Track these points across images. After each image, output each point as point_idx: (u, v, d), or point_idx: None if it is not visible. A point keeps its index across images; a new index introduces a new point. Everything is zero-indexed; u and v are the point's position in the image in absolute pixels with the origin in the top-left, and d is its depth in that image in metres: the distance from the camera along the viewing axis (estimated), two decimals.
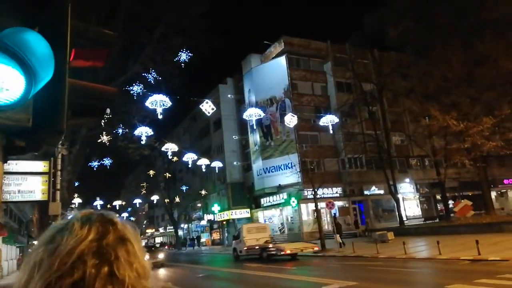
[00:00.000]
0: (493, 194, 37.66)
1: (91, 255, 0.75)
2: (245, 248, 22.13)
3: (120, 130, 19.97)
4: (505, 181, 41.17)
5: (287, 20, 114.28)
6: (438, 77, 25.37)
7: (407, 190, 38.04)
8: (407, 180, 38.25)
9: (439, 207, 38.56)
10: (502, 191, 42.71)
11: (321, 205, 27.39)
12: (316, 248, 20.90)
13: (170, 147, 21.41)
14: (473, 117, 24.05)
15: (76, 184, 32.00)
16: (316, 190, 25.22)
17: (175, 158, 32.09)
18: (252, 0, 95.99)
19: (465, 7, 24.40)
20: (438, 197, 37.02)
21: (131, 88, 17.29)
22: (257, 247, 21.35)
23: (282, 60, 37.67)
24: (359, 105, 35.78)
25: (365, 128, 35.66)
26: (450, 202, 32.62)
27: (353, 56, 35.80)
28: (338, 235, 22.02)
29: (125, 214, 78.11)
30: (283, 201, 35.88)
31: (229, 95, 44.03)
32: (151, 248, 25.79)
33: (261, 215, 41.03)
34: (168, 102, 14.89)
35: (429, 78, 26.26)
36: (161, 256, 23.27)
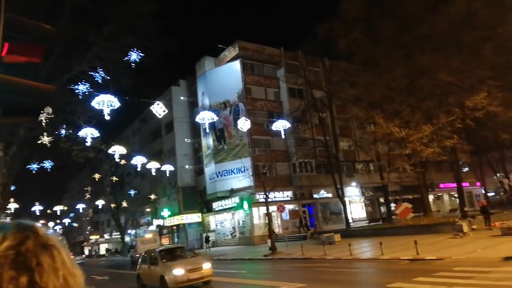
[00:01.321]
0: (431, 197, 40.46)
1: (7, 266, 0.67)
2: (137, 255, 26.18)
3: (63, 131, 18.84)
4: (441, 185, 44.44)
5: (242, 25, 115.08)
6: (382, 86, 26.76)
7: (353, 193, 39.67)
8: (354, 184, 39.92)
9: (382, 210, 40.61)
10: (439, 194, 46.02)
11: (273, 208, 27.79)
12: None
13: (117, 150, 20.53)
14: (413, 125, 25.58)
15: (13, 188, 29.64)
16: (267, 193, 25.54)
17: (123, 161, 30.87)
18: (207, 4, 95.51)
19: (408, 21, 26.04)
20: (382, 200, 39.07)
21: (76, 87, 16.40)
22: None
23: (237, 64, 37.81)
24: (310, 111, 36.82)
25: (315, 133, 36.74)
26: (392, 204, 34.49)
27: (305, 64, 36.88)
28: (270, 239, 23.51)
29: (67, 220, 73.84)
30: (235, 205, 35.89)
31: (182, 98, 43.34)
32: (177, 254, 14.88)
33: (212, 219, 40.69)
34: (116, 103, 14.26)
35: (374, 87, 27.62)
36: (207, 266, 13.47)
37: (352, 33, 27.41)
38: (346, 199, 35.05)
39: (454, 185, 32.39)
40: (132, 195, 48.12)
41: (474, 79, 24.09)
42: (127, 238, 55.25)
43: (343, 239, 23.30)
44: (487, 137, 31.74)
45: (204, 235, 38.99)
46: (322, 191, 37.76)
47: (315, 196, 37.62)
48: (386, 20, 26.52)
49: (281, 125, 23.34)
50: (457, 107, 24.80)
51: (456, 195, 36.28)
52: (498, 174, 46.51)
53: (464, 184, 35.51)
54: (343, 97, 34.91)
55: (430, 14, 25.44)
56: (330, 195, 37.21)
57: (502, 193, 46.70)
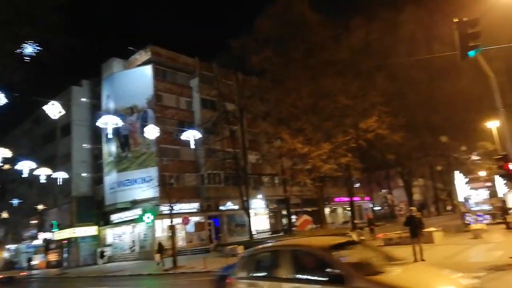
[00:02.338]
0: (327, 210, 43.63)
1: None
2: None
3: None
4: (336, 199, 48.25)
5: (157, 30, 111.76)
6: (289, 104, 28.30)
7: (258, 205, 40.74)
8: (260, 196, 41.05)
9: (284, 222, 42.41)
10: (334, 207, 49.87)
11: (177, 220, 26.98)
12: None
13: None
14: (315, 142, 27.49)
15: None
16: (173, 205, 24.75)
17: (6, 166, 27.08)
18: (120, 4, 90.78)
19: (314, 46, 28.16)
20: (284, 212, 40.84)
21: None
22: None
23: (148, 69, 36.40)
24: (222, 123, 37.07)
25: (225, 145, 37.04)
26: (294, 216, 36.28)
27: (219, 76, 37.18)
28: (158, 254, 23.00)
29: None
30: (137, 217, 33.85)
31: (83, 99, 40.04)
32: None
33: (110, 232, 37.83)
34: (2, 99, 12.59)
35: (282, 104, 29.08)
36: None
37: (264, 52, 28.58)
38: (252, 211, 35.79)
39: (347, 199, 35.40)
40: (15, 205, 42.36)
41: (367, 103, 26.96)
42: (5, 254, 48.20)
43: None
44: (376, 157, 35.61)
45: (99, 249, 36.02)
46: (229, 203, 38.00)
47: (221, 208, 37.65)
48: (296, 43, 28.30)
49: (191, 135, 23.04)
50: (352, 128, 27.39)
51: (348, 208, 39.64)
52: (383, 190, 52.31)
53: (355, 198, 39.12)
54: (254, 111, 35.99)
55: (333, 42, 27.93)
56: (236, 207, 37.61)
57: (386, 207, 52.63)
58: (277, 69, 29.87)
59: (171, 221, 24.64)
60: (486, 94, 14.22)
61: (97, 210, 38.67)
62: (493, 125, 25.59)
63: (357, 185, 49.18)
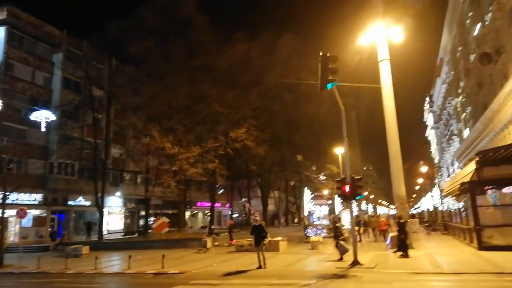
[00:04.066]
0: (188, 213, 43.54)
1: None
2: None
3: None
4: (198, 204, 48.64)
5: None
6: (164, 102, 27.47)
7: (115, 203, 38.07)
8: (118, 193, 38.43)
9: (141, 223, 40.58)
10: (195, 212, 50.12)
11: (12, 212, 23.07)
12: None
13: None
14: (185, 144, 27.24)
15: None
16: (8, 194, 21.04)
17: None
18: None
19: (197, 49, 28.11)
20: (143, 212, 39.08)
21: None
22: None
23: (0, 31, 30.62)
24: (85, 109, 33.58)
25: (85, 134, 33.64)
26: (152, 218, 35.02)
27: (89, 56, 33.72)
28: None
29: None
30: None
31: None
32: None
33: None
34: None
35: (157, 100, 28.01)
36: None
37: (145, 42, 27.20)
38: (106, 209, 33.18)
39: (209, 204, 35.98)
40: None
41: (240, 115, 28.11)
42: None
43: (93, 252, 21.63)
44: (241, 166, 37.27)
45: None
46: (80, 198, 34.43)
47: (70, 203, 33.80)
48: (179, 41, 27.75)
49: (44, 116, 20.13)
50: (223, 136, 28.11)
51: (209, 214, 40.33)
52: (243, 199, 54.97)
53: (216, 204, 40.09)
54: (124, 102, 33.69)
55: (216, 49, 28.36)
56: (88, 203, 34.31)
57: (244, 215, 55.37)
58: (156, 63, 28.74)
59: (3, 213, 20.89)
60: (337, 124, 16.32)
61: None
62: (339, 151, 29.43)
63: (221, 191, 50.58)
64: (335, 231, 15.48)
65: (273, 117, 34.47)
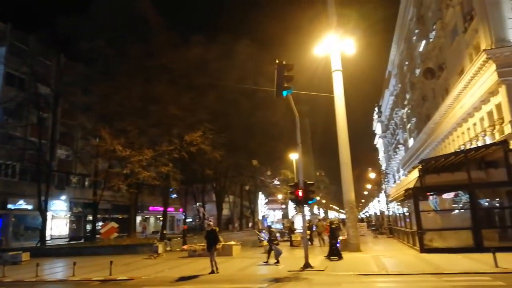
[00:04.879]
0: (139, 218, 42.15)
1: None
2: None
3: None
4: (150, 208, 47.30)
5: None
6: (116, 102, 26.48)
7: (59, 207, 35.97)
8: (63, 197, 36.37)
9: (89, 228, 38.69)
10: (147, 216, 48.64)
11: None
12: None
13: None
14: (137, 147, 26.39)
15: None
16: None
17: None
18: None
19: (153, 49, 27.46)
20: (91, 217, 37.26)
21: None
22: None
23: None
24: (29, 107, 31.50)
25: (29, 133, 31.56)
26: (101, 223, 33.50)
27: (35, 52, 31.76)
28: None
29: None
30: None
31: None
32: None
33: None
34: None
35: (109, 100, 26.94)
36: None
37: (98, 39, 26.13)
38: (50, 214, 31.26)
39: (161, 209, 35.06)
40: None
41: (195, 118, 27.76)
42: None
43: (34, 259, 20.22)
44: (196, 170, 36.72)
45: None
46: (21, 201, 32.14)
47: (10, 206, 31.43)
48: (135, 41, 26.96)
49: None
50: (177, 139, 27.55)
51: (161, 218, 39.37)
52: (197, 203, 54.28)
53: (169, 209, 39.19)
54: (73, 101, 32.04)
55: (172, 50, 27.83)
56: (30, 206, 32.16)
57: (198, 220, 54.60)
58: (109, 62, 27.67)
59: None
60: (292, 130, 16.69)
61: None
62: (294, 157, 30.04)
63: (174, 196, 49.55)
64: (269, 235, 15.97)
65: (230, 121, 34.47)
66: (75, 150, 35.21)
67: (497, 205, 17.94)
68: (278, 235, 29.22)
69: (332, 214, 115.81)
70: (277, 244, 15.79)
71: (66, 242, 32.90)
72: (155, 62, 26.80)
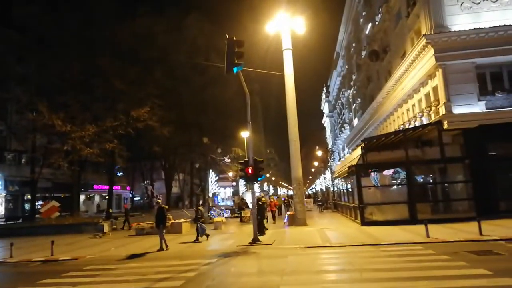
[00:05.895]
0: (83, 197, 40.37)
1: None
2: None
3: None
4: (95, 186, 45.38)
5: None
6: (55, 74, 24.69)
7: None
8: None
9: (27, 207, 36.39)
10: (91, 195, 46.70)
11: None
12: None
13: None
14: (79, 122, 24.92)
15: None
16: None
17: None
18: None
19: (95, 19, 25.69)
20: (29, 196, 34.98)
21: None
22: None
23: None
24: None
25: None
26: (40, 202, 31.63)
27: None
28: None
29: None
30: None
31: None
32: None
33: None
34: None
35: (46, 71, 24.99)
36: None
37: (32, 6, 23.91)
38: None
39: (107, 187, 33.80)
40: None
41: (143, 93, 26.68)
42: None
43: None
44: (143, 147, 35.59)
45: None
46: None
47: None
48: (72, 9, 25.02)
49: None
50: (123, 115, 26.36)
51: (107, 197, 38.02)
52: (146, 181, 53.01)
53: (115, 187, 37.90)
54: (6, 72, 29.22)
55: (117, 21, 26.23)
56: None
57: (146, 198, 53.50)
58: (46, 30, 25.49)
59: None
60: (243, 108, 16.62)
61: None
62: (245, 135, 30.24)
63: (120, 173, 47.88)
64: (196, 213, 16.16)
65: (180, 98, 33.54)
66: (9, 125, 32.44)
67: (431, 181, 19.53)
68: (227, 210, 29.66)
69: (281, 191, 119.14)
70: (203, 222, 15.95)
71: (2, 223, 30.76)
72: (97, 34, 25.16)
